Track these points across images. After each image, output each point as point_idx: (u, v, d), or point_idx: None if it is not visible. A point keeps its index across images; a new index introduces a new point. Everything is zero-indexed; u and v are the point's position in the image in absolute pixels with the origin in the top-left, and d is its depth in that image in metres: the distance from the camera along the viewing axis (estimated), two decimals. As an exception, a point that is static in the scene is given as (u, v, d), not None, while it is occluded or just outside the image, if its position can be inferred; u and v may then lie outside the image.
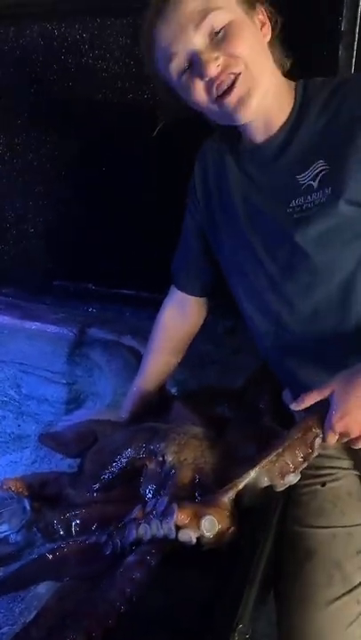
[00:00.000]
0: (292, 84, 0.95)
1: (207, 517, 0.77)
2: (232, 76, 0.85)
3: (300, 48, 0.94)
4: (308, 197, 0.90)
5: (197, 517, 0.77)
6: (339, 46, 1.23)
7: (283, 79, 0.94)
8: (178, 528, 0.76)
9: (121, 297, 1.94)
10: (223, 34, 0.84)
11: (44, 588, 0.84)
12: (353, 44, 1.23)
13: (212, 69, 0.84)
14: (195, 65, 0.86)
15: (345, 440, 0.84)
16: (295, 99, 0.94)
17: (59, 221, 1.97)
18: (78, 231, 1.95)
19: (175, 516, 0.77)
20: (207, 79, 0.86)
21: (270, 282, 0.99)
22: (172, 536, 0.76)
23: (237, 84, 0.86)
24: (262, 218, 0.98)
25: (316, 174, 0.89)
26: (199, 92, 0.88)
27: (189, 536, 0.76)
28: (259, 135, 0.96)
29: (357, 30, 1.22)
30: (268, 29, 0.90)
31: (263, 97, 0.89)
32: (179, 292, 1.23)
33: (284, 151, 0.94)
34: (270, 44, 0.91)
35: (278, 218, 0.94)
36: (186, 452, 0.94)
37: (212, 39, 0.85)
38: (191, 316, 1.25)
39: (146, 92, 1.59)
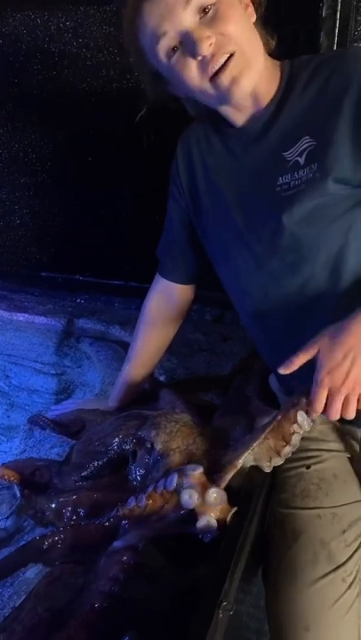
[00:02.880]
0: (278, 63, 0.95)
1: (233, 509, 0.79)
2: (226, 55, 0.84)
3: (282, 34, 0.94)
4: (296, 174, 0.89)
5: (227, 510, 0.79)
6: (320, 33, 1.24)
7: (269, 59, 0.94)
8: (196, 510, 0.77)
9: (109, 287, 1.95)
10: (213, 12, 0.83)
11: (32, 573, 0.85)
12: (334, 30, 1.23)
13: (205, 48, 0.83)
14: (186, 44, 0.85)
15: (335, 412, 0.80)
16: (281, 77, 0.93)
17: (45, 212, 1.96)
18: (65, 222, 1.94)
19: (221, 505, 0.78)
20: (200, 58, 0.85)
21: (256, 261, 0.99)
22: (189, 506, 0.77)
23: (231, 64, 0.85)
24: (249, 196, 0.98)
25: (303, 150, 0.89)
26: (191, 72, 0.87)
27: (210, 525, 0.76)
28: (245, 114, 0.95)
29: (338, 16, 1.23)
30: (252, 11, 0.89)
31: (256, 77, 0.89)
32: (164, 279, 1.23)
33: (270, 129, 0.94)
34: (255, 24, 0.90)
35: (265, 196, 0.94)
36: (178, 441, 0.95)
37: (201, 17, 0.83)
38: (177, 304, 1.24)
39: (130, 81, 1.59)
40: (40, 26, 1.64)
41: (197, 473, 0.81)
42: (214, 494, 0.78)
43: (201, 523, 0.77)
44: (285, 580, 0.88)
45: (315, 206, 0.88)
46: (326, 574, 0.86)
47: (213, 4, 0.83)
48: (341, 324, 0.81)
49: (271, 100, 0.93)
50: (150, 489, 0.84)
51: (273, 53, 0.94)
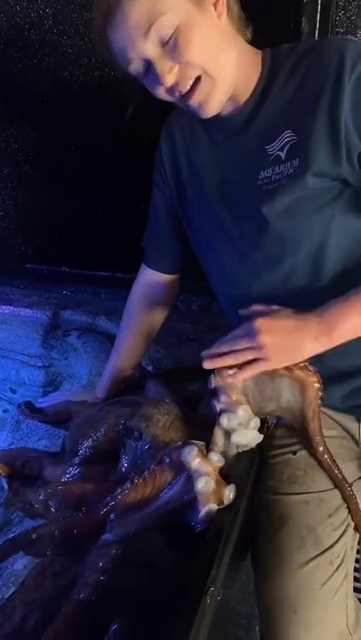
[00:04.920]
0: (259, 52, 0.94)
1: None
2: (190, 81, 0.86)
3: (263, 20, 0.93)
4: (277, 169, 0.90)
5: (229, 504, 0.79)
6: (302, 19, 1.23)
7: (247, 49, 0.93)
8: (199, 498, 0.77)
9: (95, 278, 1.94)
10: (174, 41, 0.82)
11: (21, 565, 0.85)
12: (315, 16, 1.22)
13: (169, 79, 0.85)
14: (151, 71, 0.86)
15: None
16: (262, 67, 0.92)
17: (30, 203, 1.94)
18: (50, 213, 1.93)
19: (230, 501, 0.78)
20: (166, 87, 0.86)
21: (240, 255, 0.99)
22: (199, 493, 0.76)
23: (196, 90, 0.87)
24: (231, 189, 0.98)
25: (284, 145, 0.89)
26: (161, 93, 0.88)
27: (212, 513, 0.76)
28: (227, 106, 0.95)
29: (320, 1, 1.21)
30: (223, 4, 0.86)
31: (227, 91, 0.89)
32: (150, 269, 1.22)
33: (252, 121, 0.94)
34: (229, 15, 0.88)
35: (247, 189, 0.94)
36: (170, 434, 0.95)
37: (163, 46, 0.83)
38: (163, 294, 1.24)
39: (113, 69, 1.57)
40: (19, 13, 1.61)
41: (219, 465, 0.81)
42: (227, 490, 0.78)
43: (203, 511, 0.76)
44: (273, 564, 0.89)
45: (294, 200, 0.89)
46: (313, 558, 0.87)
47: (173, 33, 0.82)
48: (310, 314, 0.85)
49: (253, 90, 0.93)
50: (160, 457, 0.83)
51: (254, 40, 0.93)
